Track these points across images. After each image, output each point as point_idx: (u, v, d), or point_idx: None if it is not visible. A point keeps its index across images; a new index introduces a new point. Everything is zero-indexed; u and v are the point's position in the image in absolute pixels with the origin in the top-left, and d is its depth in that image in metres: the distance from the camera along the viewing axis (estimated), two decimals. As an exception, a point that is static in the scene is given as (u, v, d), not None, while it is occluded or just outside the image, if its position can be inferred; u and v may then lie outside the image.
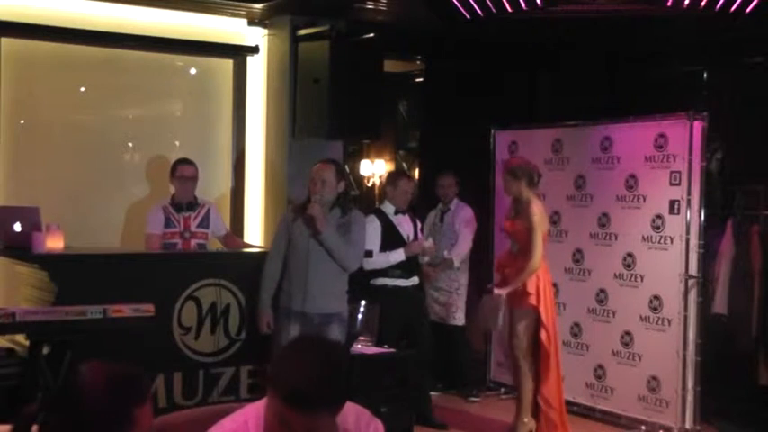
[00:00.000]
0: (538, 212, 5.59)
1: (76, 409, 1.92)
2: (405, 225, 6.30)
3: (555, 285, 6.94)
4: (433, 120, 8.23)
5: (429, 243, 6.39)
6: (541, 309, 5.61)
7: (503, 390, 7.21)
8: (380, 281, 6.14)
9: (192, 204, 5.90)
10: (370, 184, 9.89)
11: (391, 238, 6.15)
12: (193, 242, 5.87)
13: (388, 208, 6.29)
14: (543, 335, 5.61)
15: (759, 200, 6.65)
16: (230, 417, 2.30)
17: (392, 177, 6.55)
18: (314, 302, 5.10)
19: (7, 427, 2.12)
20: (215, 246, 6.12)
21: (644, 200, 6.35)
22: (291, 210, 5.33)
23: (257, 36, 6.98)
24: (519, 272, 5.62)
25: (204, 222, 5.93)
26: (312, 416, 2.12)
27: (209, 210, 5.99)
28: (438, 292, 7.03)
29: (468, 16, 5.93)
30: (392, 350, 5.54)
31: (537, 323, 5.62)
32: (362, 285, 5.89)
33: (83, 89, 6.63)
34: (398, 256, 6.10)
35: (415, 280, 6.30)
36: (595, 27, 6.84)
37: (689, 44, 7.17)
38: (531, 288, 5.60)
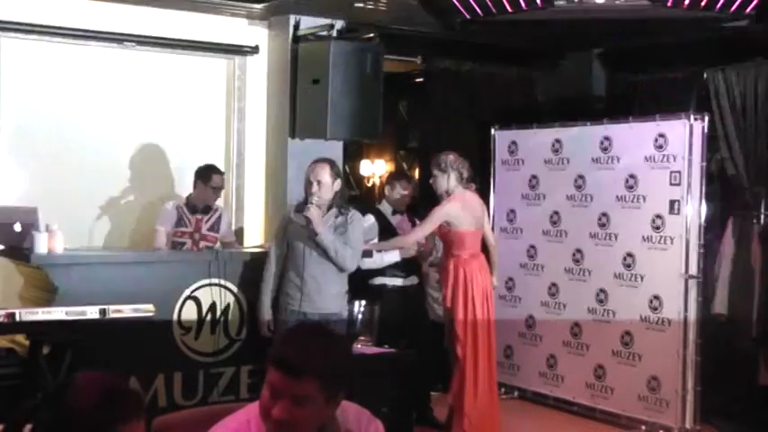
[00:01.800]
0: (446, 206, 5.66)
1: (63, 417, 1.92)
2: (403, 225, 6.30)
3: (555, 285, 6.96)
4: (432, 120, 8.22)
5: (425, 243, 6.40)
6: (456, 314, 5.63)
7: (503, 390, 7.21)
8: (378, 280, 6.15)
9: (208, 208, 5.97)
10: (370, 184, 9.88)
11: (388, 239, 6.17)
12: (202, 244, 5.94)
13: (386, 208, 6.30)
14: (455, 341, 5.65)
15: (759, 200, 6.65)
16: (233, 416, 2.30)
17: (391, 179, 6.56)
18: (312, 303, 5.10)
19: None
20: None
21: (644, 200, 6.35)
22: (289, 211, 5.34)
23: (257, 36, 6.98)
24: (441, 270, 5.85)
25: (215, 227, 6.02)
26: (298, 381, 2.12)
27: (220, 215, 6.07)
28: (438, 292, 7.01)
29: (468, 16, 5.94)
30: (392, 350, 5.54)
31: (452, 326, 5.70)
32: (361, 285, 5.89)
33: (83, 89, 6.63)
34: (393, 256, 6.11)
35: (413, 279, 6.30)
36: (595, 27, 6.83)
37: (689, 44, 7.16)
38: (445, 290, 5.71)
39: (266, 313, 5.25)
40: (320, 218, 5.05)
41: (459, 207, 5.66)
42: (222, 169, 6.35)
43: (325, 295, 5.13)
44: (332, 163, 5.25)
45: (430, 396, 6.44)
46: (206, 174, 6.01)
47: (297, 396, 2.13)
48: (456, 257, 5.72)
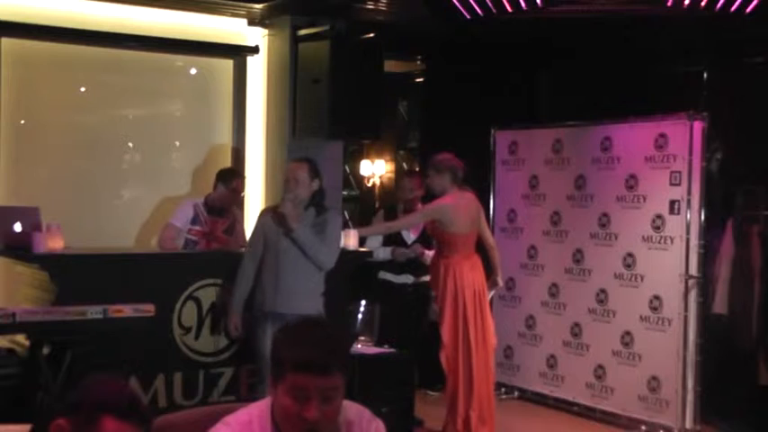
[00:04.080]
0: (439, 203, 5.67)
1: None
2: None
3: (555, 285, 6.96)
4: (432, 120, 8.22)
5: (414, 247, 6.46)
6: (444, 316, 5.63)
7: (503, 390, 7.21)
8: (381, 275, 6.29)
9: (224, 210, 5.97)
10: (370, 184, 9.87)
11: (392, 236, 6.25)
12: (215, 245, 5.91)
13: (398, 207, 6.43)
14: (443, 345, 5.66)
15: (759, 200, 6.64)
16: (234, 415, 2.30)
17: (400, 178, 6.68)
18: (286, 302, 5.00)
19: (9, 427, 2.12)
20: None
21: (644, 200, 6.35)
22: (266, 209, 5.34)
23: (257, 36, 6.98)
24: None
25: (229, 230, 6.01)
26: (328, 378, 2.17)
27: (235, 220, 6.07)
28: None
29: (468, 16, 5.93)
30: (392, 350, 5.54)
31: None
32: (359, 282, 5.92)
33: (83, 89, 6.63)
34: (383, 254, 6.23)
35: (407, 278, 6.38)
36: (595, 27, 6.83)
37: (689, 44, 7.16)
38: (436, 291, 5.72)
39: (236, 313, 5.20)
40: (296, 214, 5.01)
41: (453, 206, 5.66)
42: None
43: (299, 294, 5.03)
44: (311, 162, 5.19)
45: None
46: (227, 176, 6.02)
47: (327, 393, 2.17)
48: (447, 258, 5.72)
